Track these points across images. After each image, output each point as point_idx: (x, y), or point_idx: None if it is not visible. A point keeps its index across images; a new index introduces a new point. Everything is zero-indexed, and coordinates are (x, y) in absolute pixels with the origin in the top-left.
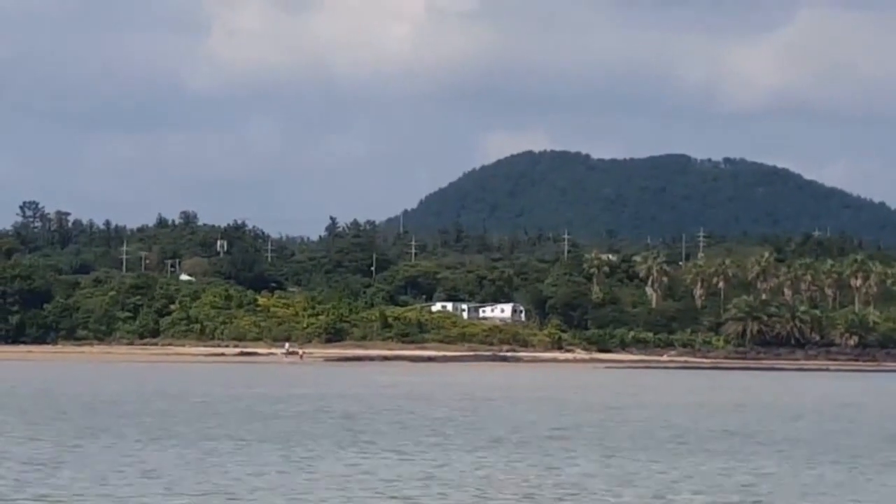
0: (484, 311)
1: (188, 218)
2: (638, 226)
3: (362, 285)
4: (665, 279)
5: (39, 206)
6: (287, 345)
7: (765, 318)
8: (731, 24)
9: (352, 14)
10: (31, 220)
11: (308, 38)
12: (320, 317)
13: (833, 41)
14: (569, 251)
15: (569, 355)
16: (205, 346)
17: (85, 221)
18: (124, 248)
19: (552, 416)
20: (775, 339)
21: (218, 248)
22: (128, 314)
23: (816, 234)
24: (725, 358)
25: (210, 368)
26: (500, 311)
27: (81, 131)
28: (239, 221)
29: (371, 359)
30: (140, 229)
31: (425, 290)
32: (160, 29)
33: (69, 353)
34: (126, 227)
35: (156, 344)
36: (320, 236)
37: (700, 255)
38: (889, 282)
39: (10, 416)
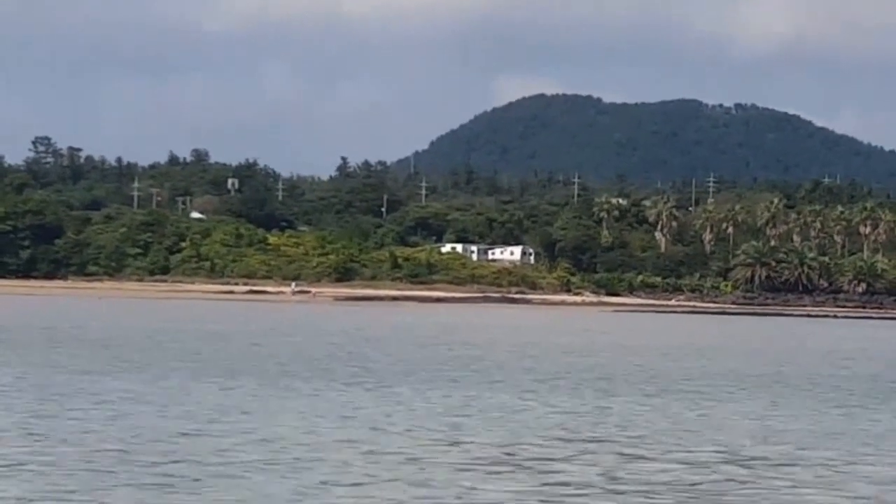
0: (493, 254)
1: (200, 156)
2: (648, 170)
3: (373, 226)
4: (674, 224)
5: (52, 141)
6: (294, 284)
7: (773, 263)
8: None
9: None
10: (43, 155)
11: None
12: (330, 256)
13: None
14: (579, 195)
15: (577, 298)
16: (214, 283)
17: (97, 158)
18: (136, 184)
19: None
20: (783, 285)
21: (229, 187)
22: (138, 251)
23: (826, 181)
24: (733, 303)
25: (224, 306)
26: (510, 254)
27: (96, 71)
28: (250, 160)
29: (381, 299)
30: (152, 166)
31: (435, 231)
32: None
33: (79, 289)
34: (138, 165)
35: (165, 281)
36: (331, 176)
37: (710, 200)
38: None
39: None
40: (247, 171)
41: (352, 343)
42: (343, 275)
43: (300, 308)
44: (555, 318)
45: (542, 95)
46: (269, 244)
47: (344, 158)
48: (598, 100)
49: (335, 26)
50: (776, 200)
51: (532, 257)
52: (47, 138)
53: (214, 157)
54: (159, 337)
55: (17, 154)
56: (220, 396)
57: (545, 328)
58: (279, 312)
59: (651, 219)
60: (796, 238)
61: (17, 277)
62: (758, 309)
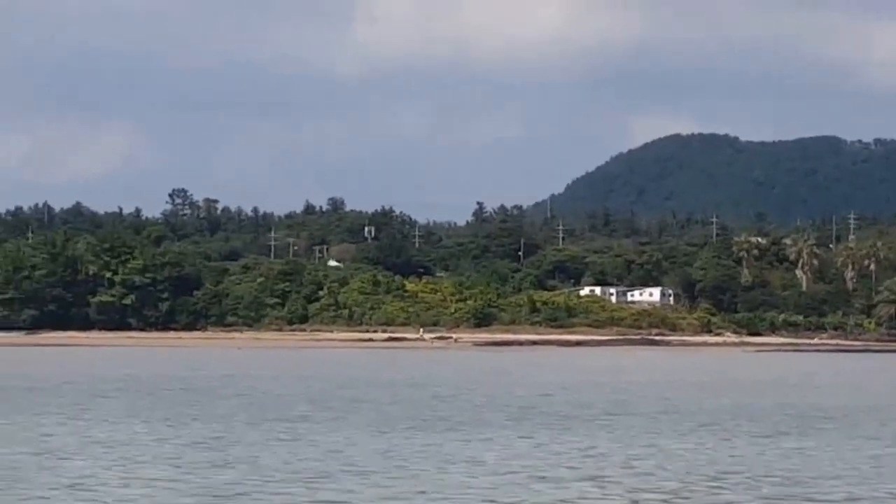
0: (632, 295)
1: (336, 204)
2: (787, 208)
3: (510, 270)
4: (815, 262)
5: (188, 193)
6: (422, 330)
7: None
8: (883, 1)
9: None
10: (180, 207)
11: (454, 22)
12: (468, 302)
13: None
14: (717, 234)
15: (718, 339)
16: (353, 331)
17: (233, 208)
18: (272, 234)
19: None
20: None
21: (365, 234)
22: (276, 300)
23: None
24: (877, 341)
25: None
26: (649, 295)
27: (229, 121)
28: (386, 207)
29: (520, 343)
30: (288, 216)
31: (573, 274)
32: (304, 16)
33: (219, 340)
34: (274, 214)
35: (304, 330)
36: (468, 221)
37: (851, 237)
38: None
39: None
40: (383, 218)
41: (538, 389)
42: (481, 320)
43: (448, 354)
44: (702, 359)
45: (678, 135)
46: (406, 291)
47: (480, 203)
48: (735, 138)
49: (469, 69)
50: None
51: (671, 298)
52: (184, 190)
53: (350, 205)
54: (350, 389)
55: (155, 207)
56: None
57: (702, 368)
58: (440, 360)
59: (791, 257)
60: None
61: (157, 329)
62: None
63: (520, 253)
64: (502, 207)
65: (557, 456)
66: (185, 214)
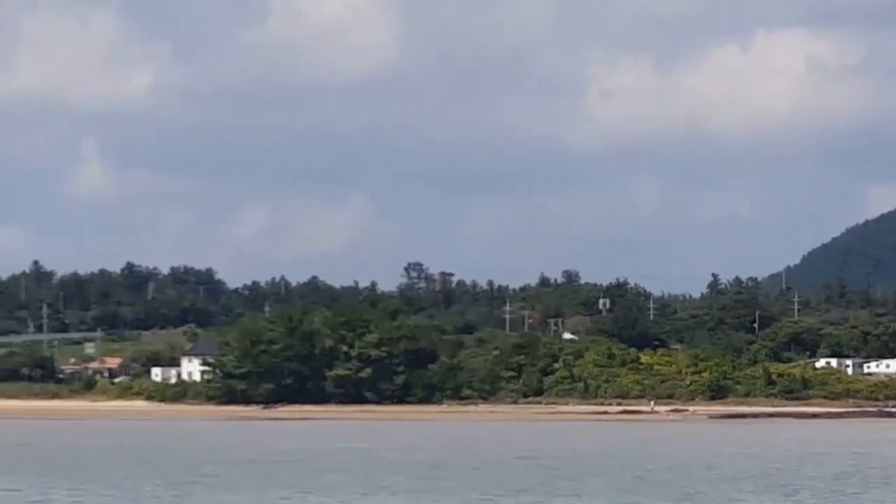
0: (869, 367)
1: (570, 276)
2: None
3: (745, 342)
4: None
5: (423, 267)
6: (652, 403)
7: None
8: None
9: (729, 71)
10: (415, 281)
11: (685, 96)
12: (703, 374)
13: None
14: None
15: None
16: (588, 404)
17: (468, 282)
18: (507, 307)
19: None
20: None
21: (600, 307)
22: (511, 373)
23: None
24: None
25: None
26: (886, 367)
27: (463, 195)
28: (621, 280)
29: (755, 416)
30: (522, 289)
31: (809, 346)
32: (538, 92)
33: (454, 413)
34: (508, 287)
35: (539, 402)
36: (702, 293)
37: None
38: None
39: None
40: (618, 291)
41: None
42: (716, 392)
43: (691, 427)
44: None
45: None
46: (641, 363)
47: (715, 275)
48: None
49: (702, 141)
50: None
51: None
52: (419, 264)
53: (585, 277)
54: (641, 465)
55: (391, 280)
56: None
57: None
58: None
59: None
60: None
61: (393, 403)
62: None
63: (755, 325)
64: (737, 279)
65: None
66: (420, 288)
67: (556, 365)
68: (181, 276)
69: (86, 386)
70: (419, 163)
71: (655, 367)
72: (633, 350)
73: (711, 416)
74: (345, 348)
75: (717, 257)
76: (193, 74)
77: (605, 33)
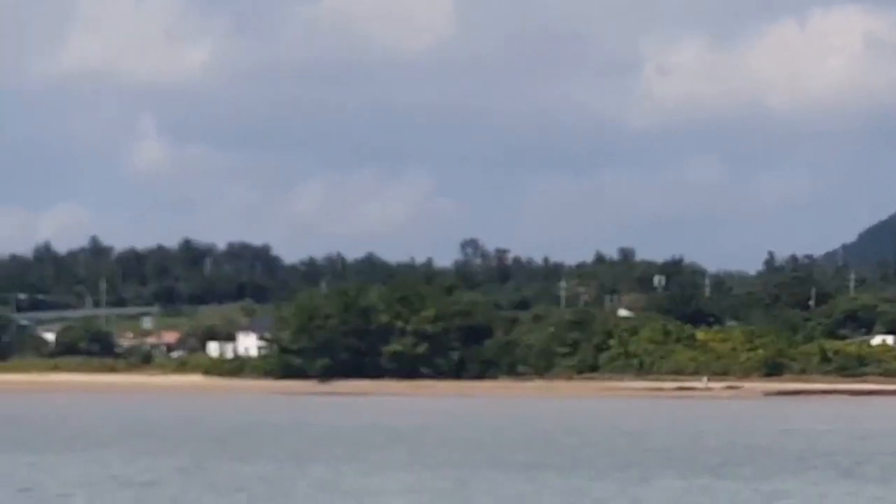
0: None
1: (626, 254)
2: None
3: (801, 319)
4: None
5: (479, 243)
6: (705, 379)
7: None
8: None
9: (787, 48)
10: (471, 257)
11: (743, 74)
12: (759, 351)
13: None
14: None
15: None
16: (643, 380)
17: (524, 258)
18: (562, 284)
19: None
20: None
21: (655, 284)
22: (567, 350)
23: None
24: None
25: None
26: None
27: (519, 172)
28: (676, 256)
29: (810, 392)
30: (578, 265)
31: (865, 323)
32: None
33: (509, 389)
34: (564, 264)
35: (594, 379)
36: (758, 270)
37: None
38: None
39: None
40: (673, 268)
41: None
42: (772, 369)
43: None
44: None
45: None
46: (696, 340)
47: (771, 252)
48: None
49: (759, 119)
50: None
51: None
52: (475, 240)
53: (640, 254)
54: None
55: (447, 256)
56: None
57: None
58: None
59: None
60: None
61: (448, 378)
62: None
63: (810, 302)
64: (793, 257)
65: None
66: (476, 264)
67: (611, 341)
68: (238, 252)
69: (143, 360)
70: (476, 140)
71: (710, 343)
72: (688, 327)
73: (766, 393)
74: (400, 324)
75: (773, 235)
76: (250, 51)
77: (663, 11)
